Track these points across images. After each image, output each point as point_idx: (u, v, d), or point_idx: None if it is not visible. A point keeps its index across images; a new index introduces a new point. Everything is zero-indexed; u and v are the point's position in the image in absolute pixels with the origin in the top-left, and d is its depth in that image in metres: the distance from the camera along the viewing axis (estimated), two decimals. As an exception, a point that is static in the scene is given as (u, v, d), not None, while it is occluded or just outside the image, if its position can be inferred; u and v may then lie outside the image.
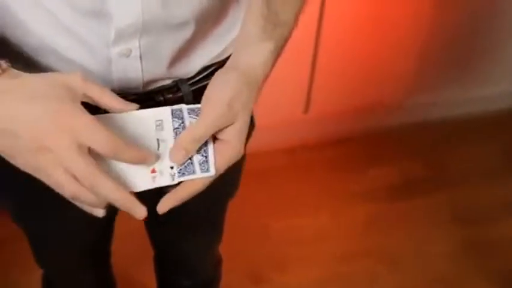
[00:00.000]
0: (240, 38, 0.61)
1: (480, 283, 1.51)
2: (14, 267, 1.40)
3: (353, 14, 1.66)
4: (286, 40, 0.61)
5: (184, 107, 0.54)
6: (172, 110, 0.54)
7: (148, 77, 0.60)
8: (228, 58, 0.60)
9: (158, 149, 0.52)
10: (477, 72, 1.98)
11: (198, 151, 0.53)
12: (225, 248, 1.04)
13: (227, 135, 0.54)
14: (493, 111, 2.04)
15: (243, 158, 0.78)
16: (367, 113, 1.91)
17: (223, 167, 0.55)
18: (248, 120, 0.56)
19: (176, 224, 0.86)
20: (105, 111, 0.51)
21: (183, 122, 0.53)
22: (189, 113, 0.54)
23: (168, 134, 0.53)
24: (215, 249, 1.02)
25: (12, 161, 0.47)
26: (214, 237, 0.98)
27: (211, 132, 0.53)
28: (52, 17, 0.54)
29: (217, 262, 1.07)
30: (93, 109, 0.49)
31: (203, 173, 0.53)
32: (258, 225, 1.60)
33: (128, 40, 0.55)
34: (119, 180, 0.49)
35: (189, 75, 0.64)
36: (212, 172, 0.53)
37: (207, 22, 0.60)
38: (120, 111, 0.51)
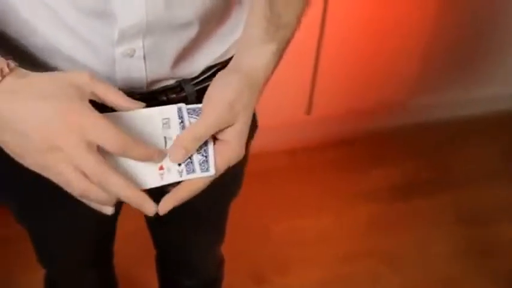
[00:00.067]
0: (242, 40, 0.61)
1: (483, 284, 1.50)
2: (17, 267, 1.40)
3: (356, 16, 1.66)
4: (288, 42, 0.61)
5: (183, 106, 0.55)
6: (178, 109, 0.54)
7: (152, 77, 0.60)
8: (231, 59, 0.60)
9: (165, 146, 0.53)
10: (480, 73, 1.98)
11: (198, 151, 0.53)
12: (226, 249, 1.04)
13: (227, 136, 0.54)
14: (497, 112, 2.04)
15: (246, 158, 0.79)
16: (369, 114, 1.91)
17: (223, 168, 0.55)
18: (249, 121, 0.56)
19: (178, 224, 0.86)
20: (113, 110, 0.51)
21: (182, 122, 0.54)
22: (189, 113, 0.54)
23: (175, 132, 0.53)
24: (217, 249, 1.03)
25: (21, 160, 0.48)
26: (216, 237, 0.98)
27: (212, 132, 0.53)
28: (55, 16, 0.54)
29: (220, 262, 1.07)
30: (101, 107, 0.49)
31: (203, 173, 0.53)
32: (260, 226, 1.60)
33: (131, 40, 0.55)
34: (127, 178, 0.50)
35: (193, 76, 0.64)
36: (212, 172, 0.53)
37: (210, 23, 0.61)
38: (127, 110, 0.51)
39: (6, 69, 0.46)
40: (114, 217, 0.87)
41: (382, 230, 1.64)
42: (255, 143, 0.76)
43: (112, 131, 0.46)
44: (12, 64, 0.47)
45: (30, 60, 0.57)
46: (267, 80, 0.59)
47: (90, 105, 0.47)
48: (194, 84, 0.64)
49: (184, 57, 0.61)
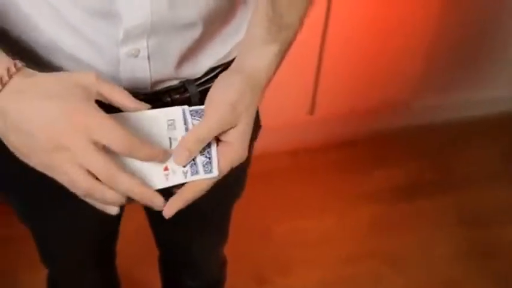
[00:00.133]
0: (244, 41, 0.61)
1: (485, 285, 1.50)
2: (20, 266, 1.40)
3: (359, 16, 1.66)
4: (290, 43, 0.61)
5: (187, 108, 0.55)
6: (183, 110, 0.54)
7: (156, 77, 0.60)
8: (233, 60, 0.60)
9: (170, 147, 0.53)
10: (484, 74, 1.98)
11: (202, 153, 0.54)
12: (229, 250, 1.04)
13: (230, 138, 0.54)
14: (500, 113, 2.04)
15: (249, 159, 0.78)
16: (372, 114, 1.91)
17: (226, 169, 0.55)
18: (251, 122, 0.56)
19: (182, 224, 0.86)
20: (119, 111, 0.52)
21: (186, 123, 0.54)
22: (192, 115, 0.55)
23: (180, 133, 0.54)
24: (220, 250, 1.03)
25: (26, 160, 0.48)
26: (219, 238, 0.98)
27: (215, 133, 0.53)
28: (60, 16, 0.54)
29: (223, 263, 1.07)
30: (107, 108, 0.49)
31: (206, 174, 0.53)
32: (262, 227, 1.60)
33: (136, 40, 0.55)
34: None
35: (197, 76, 0.64)
36: (215, 173, 0.54)
37: (214, 23, 0.61)
38: (133, 110, 0.51)
39: (13, 69, 0.46)
40: (117, 217, 0.87)
41: (384, 231, 1.64)
42: (257, 143, 0.76)
43: (118, 131, 0.46)
44: (19, 64, 0.47)
45: (35, 60, 0.57)
46: (269, 80, 0.59)
47: (96, 106, 0.47)
48: (198, 85, 0.64)
49: (188, 58, 0.62)
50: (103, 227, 0.86)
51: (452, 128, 1.98)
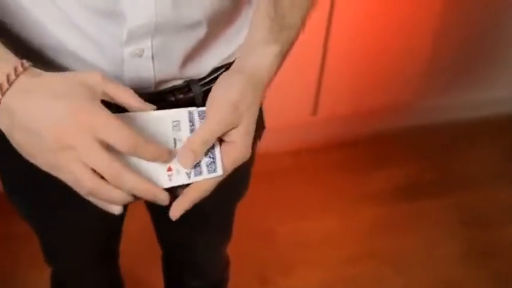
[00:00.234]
0: (246, 41, 0.61)
1: (485, 285, 1.50)
2: (23, 265, 1.41)
3: (362, 17, 1.66)
4: (292, 44, 0.61)
5: (194, 109, 0.55)
6: (188, 112, 0.55)
7: (160, 77, 0.61)
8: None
9: (175, 147, 0.53)
10: (486, 75, 1.98)
11: (206, 153, 0.54)
12: (232, 250, 1.04)
13: (233, 137, 0.54)
14: (501, 114, 2.04)
15: (253, 158, 0.79)
16: (375, 115, 1.91)
17: (230, 168, 0.55)
18: (254, 122, 0.56)
19: (185, 224, 0.86)
20: (125, 111, 0.52)
21: (193, 125, 0.54)
22: (197, 116, 0.55)
23: (185, 134, 0.54)
24: (224, 250, 1.03)
25: (32, 160, 0.48)
26: (223, 237, 0.98)
27: (218, 134, 0.53)
28: (64, 16, 0.54)
29: (226, 264, 1.07)
30: (112, 108, 0.49)
31: (210, 174, 0.53)
32: (264, 228, 1.60)
33: (140, 40, 0.56)
34: None
35: (201, 76, 0.65)
36: (219, 173, 0.54)
37: (219, 23, 0.61)
38: (139, 110, 0.52)
39: (20, 68, 0.46)
40: (121, 217, 0.87)
41: (386, 232, 1.64)
42: (260, 143, 0.76)
43: (123, 130, 0.46)
44: (26, 64, 0.47)
45: (41, 59, 0.58)
46: (271, 80, 0.59)
47: (101, 105, 0.47)
48: (202, 85, 0.64)
49: (192, 58, 0.62)
50: (106, 227, 0.86)
51: (454, 129, 1.98)
